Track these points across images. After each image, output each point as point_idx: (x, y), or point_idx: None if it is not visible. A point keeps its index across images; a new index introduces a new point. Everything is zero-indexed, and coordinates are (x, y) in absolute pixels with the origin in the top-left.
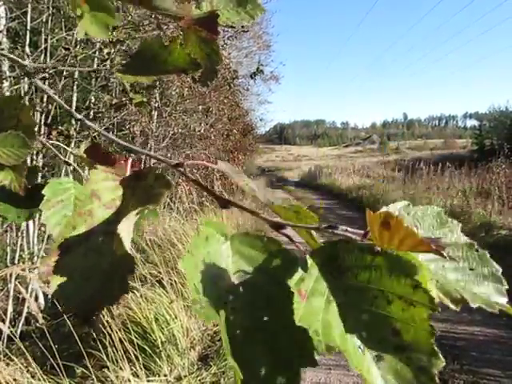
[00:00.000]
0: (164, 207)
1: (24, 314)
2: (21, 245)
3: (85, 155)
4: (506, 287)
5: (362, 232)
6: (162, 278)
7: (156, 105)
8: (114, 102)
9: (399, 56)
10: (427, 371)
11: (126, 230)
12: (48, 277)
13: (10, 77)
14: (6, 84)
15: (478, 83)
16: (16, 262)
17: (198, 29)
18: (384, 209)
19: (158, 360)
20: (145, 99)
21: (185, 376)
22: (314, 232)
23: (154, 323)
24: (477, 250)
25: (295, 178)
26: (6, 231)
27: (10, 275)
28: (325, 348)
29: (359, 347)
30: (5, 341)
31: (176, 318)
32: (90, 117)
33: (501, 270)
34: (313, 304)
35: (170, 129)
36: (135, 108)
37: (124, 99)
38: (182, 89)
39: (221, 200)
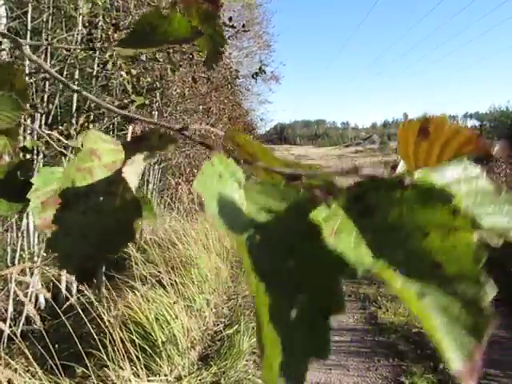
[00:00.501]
0: (164, 207)
1: (24, 314)
2: (21, 244)
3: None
4: None
5: (391, 165)
6: (162, 278)
7: (156, 104)
8: (116, 104)
9: (399, 56)
10: (476, 303)
11: (131, 172)
12: (44, 229)
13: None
14: None
15: (479, 83)
16: (16, 261)
17: (200, 1)
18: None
19: (158, 360)
20: (147, 101)
21: (185, 376)
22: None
23: (155, 323)
24: (504, 193)
25: None
26: (7, 230)
27: (11, 275)
28: (364, 270)
29: (399, 282)
30: (5, 341)
31: (176, 317)
32: (91, 119)
33: None
34: (341, 240)
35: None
36: (136, 109)
37: (126, 101)
38: (182, 89)
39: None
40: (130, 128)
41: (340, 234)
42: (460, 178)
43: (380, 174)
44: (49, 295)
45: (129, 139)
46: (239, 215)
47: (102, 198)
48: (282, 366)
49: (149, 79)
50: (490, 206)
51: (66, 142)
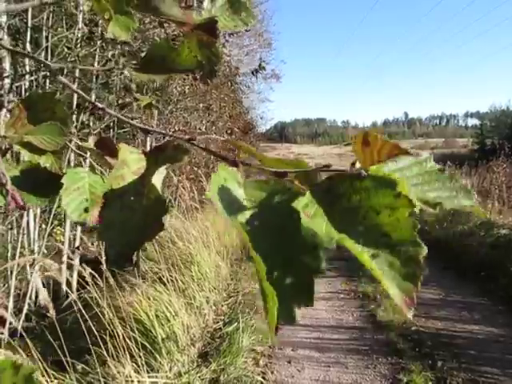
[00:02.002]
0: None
1: (24, 311)
2: (21, 242)
3: (94, 148)
4: (475, 196)
5: (351, 164)
6: (162, 276)
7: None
8: (119, 102)
9: (400, 55)
10: (414, 258)
11: (157, 179)
12: (94, 223)
13: (11, 74)
14: (7, 81)
15: (480, 82)
16: (17, 258)
17: (200, 33)
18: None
19: (158, 356)
20: (153, 101)
21: (185, 372)
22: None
23: (155, 320)
24: (444, 170)
25: None
26: (11, 228)
27: (11, 272)
28: (332, 243)
29: (358, 247)
30: (5, 337)
31: (176, 315)
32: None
33: (467, 183)
34: (316, 221)
35: (170, 126)
36: (138, 107)
37: (128, 99)
38: (183, 86)
39: (229, 160)
40: (148, 139)
41: (314, 217)
42: (411, 163)
43: (344, 169)
44: (46, 293)
45: (148, 149)
46: (239, 206)
47: (132, 198)
48: (279, 311)
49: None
50: (435, 183)
51: (80, 143)
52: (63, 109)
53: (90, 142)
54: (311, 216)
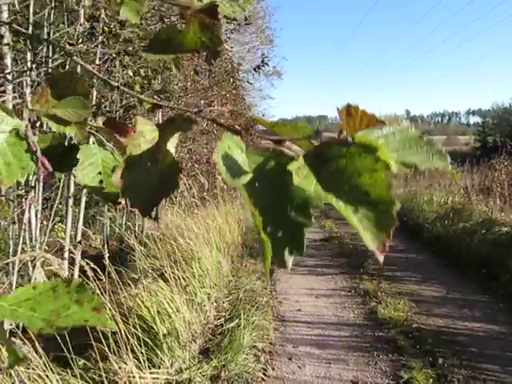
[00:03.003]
0: (166, 202)
1: None
2: (23, 237)
3: (103, 126)
4: (449, 159)
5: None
6: (164, 272)
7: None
8: (123, 103)
9: (402, 52)
10: (388, 212)
11: (171, 146)
12: (118, 183)
13: (13, 70)
14: (8, 77)
15: (482, 80)
16: (18, 254)
17: (202, 16)
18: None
19: (159, 352)
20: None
21: (186, 369)
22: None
23: (157, 316)
24: (425, 138)
25: None
26: (14, 223)
27: (13, 268)
28: (319, 202)
29: (342, 204)
30: (7, 334)
31: (178, 311)
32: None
33: (445, 148)
34: (306, 182)
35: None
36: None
37: (132, 100)
38: (184, 83)
39: (233, 129)
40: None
41: (305, 178)
42: (395, 130)
43: (333, 136)
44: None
45: (160, 121)
46: (240, 170)
47: (148, 163)
48: (273, 257)
49: (150, 73)
50: (414, 148)
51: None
52: (84, 85)
53: (99, 121)
54: (303, 177)
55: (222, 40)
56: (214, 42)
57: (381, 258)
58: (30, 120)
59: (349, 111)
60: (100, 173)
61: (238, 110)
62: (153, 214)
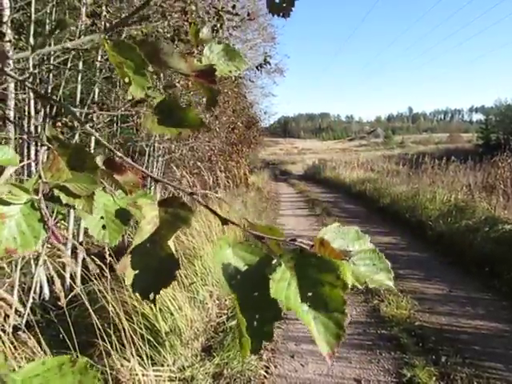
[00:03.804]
0: None
1: (29, 305)
2: None
3: (103, 167)
4: (393, 275)
5: (311, 244)
6: None
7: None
8: (130, 99)
9: (405, 49)
10: (340, 323)
11: (171, 242)
12: (122, 271)
13: (15, 68)
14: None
15: (485, 77)
16: None
17: (201, 80)
18: (322, 231)
19: (162, 350)
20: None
21: (188, 366)
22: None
23: (159, 314)
24: (377, 252)
25: (299, 171)
26: None
27: (16, 266)
28: (286, 308)
29: (305, 310)
30: (10, 331)
31: (180, 309)
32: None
33: (389, 264)
34: (280, 285)
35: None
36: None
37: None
38: (186, 81)
39: (221, 218)
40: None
41: (279, 282)
42: (354, 242)
43: (305, 247)
44: (59, 282)
45: (158, 199)
46: (228, 265)
47: (148, 245)
48: (251, 346)
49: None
50: (367, 260)
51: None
52: (93, 161)
53: (99, 161)
54: (277, 280)
55: (220, 91)
56: (213, 94)
57: (329, 362)
58: (42, 192)
59: (322, 242)
60: (102, 217)
61: (240, 107)
62: (151, 297)
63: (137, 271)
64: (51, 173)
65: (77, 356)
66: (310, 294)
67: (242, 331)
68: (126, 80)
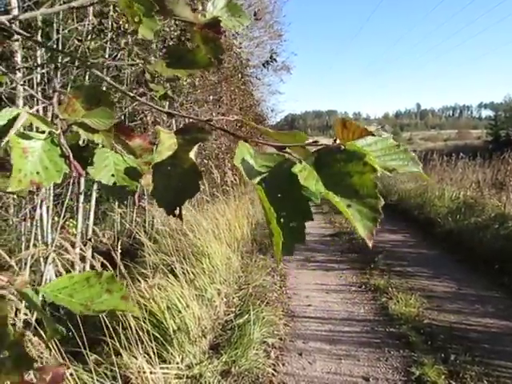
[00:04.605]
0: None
1: (39, 302)
2: (35, 234)
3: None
4: (421, 165)
5: (333, 139)
6: (174, 267)
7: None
8: (137, 93)
9: (413, 45)
10: (375, 207)
11: (192, 154)
12: (147, 186)
13: (23, 67)
14: (19, 75)
15: (493, 73)
16: (30, 250)
17: (207, 30)
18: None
19: (169, 348)
20: (169, 92)
21: (196, 364)
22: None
23: (167, 312)
24: (402, 147)
25: None
26: (24, 219)
27: (25, 263)
28: (319, 197)
29: (338, 200)
30: (21, 326)
31: (188, 306)
32: None
33: (416, 155)
34: (308, 181)
35: (181, 119)
36: (151, 97)
37: (141, 89)
38: (193, 79)
39: (240, 137)
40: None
41: (307, 179)
42: (377, 140)
43: (328, 144)
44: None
45: (175, 129)
46: (253, 172)
47: (169, 168)
48: (282, 245)
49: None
50: (392, 155)
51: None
52: (108, 98)
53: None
54: (305, 177)
55: (224, 49)
56: (218, 51)
57: (370, 244)
58: (61, 128)
59: (344, 124)
60: (113, 175)
61: (247, 105)
62: (176, 212)
63: (159, 192)
64: (68, 113)
65: (86, 354)
66: (340, 186)
67: (273, 225)
68: (136, 19)
